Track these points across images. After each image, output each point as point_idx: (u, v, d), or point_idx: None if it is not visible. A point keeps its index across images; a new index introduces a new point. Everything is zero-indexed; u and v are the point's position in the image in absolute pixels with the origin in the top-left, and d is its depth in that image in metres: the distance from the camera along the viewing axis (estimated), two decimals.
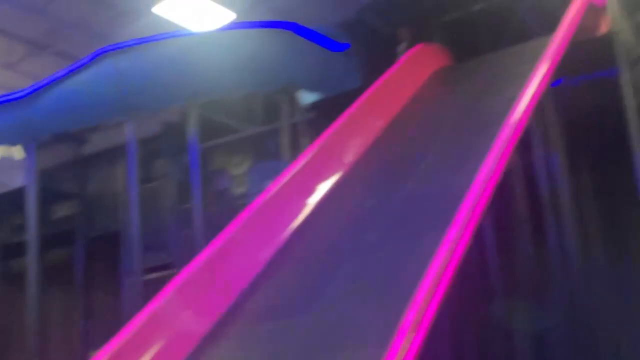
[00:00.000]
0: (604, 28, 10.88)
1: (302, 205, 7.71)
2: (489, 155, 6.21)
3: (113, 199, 14.18)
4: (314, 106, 12.97)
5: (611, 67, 11.14)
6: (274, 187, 7.71)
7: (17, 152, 13.38)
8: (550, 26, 11.75)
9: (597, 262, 12.42)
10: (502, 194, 6.96)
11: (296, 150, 12.19)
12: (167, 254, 12.92)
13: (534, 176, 9.55)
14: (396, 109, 9.80)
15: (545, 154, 10.43)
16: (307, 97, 12.75)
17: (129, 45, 10.74)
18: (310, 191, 7.92)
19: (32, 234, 12.55)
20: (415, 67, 10.81)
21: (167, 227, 13.68)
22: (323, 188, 8.02)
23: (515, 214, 8.64)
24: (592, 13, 10.45)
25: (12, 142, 13.08)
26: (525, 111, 7.13)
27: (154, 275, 11.88)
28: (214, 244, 6.79)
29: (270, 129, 16.52)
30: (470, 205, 5.48)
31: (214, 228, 13.52)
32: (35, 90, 11.67)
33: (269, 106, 16.34)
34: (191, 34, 10.98)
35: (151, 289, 6.79)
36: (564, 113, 10.60)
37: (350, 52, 12.46)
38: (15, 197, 13.86)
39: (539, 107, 8.07)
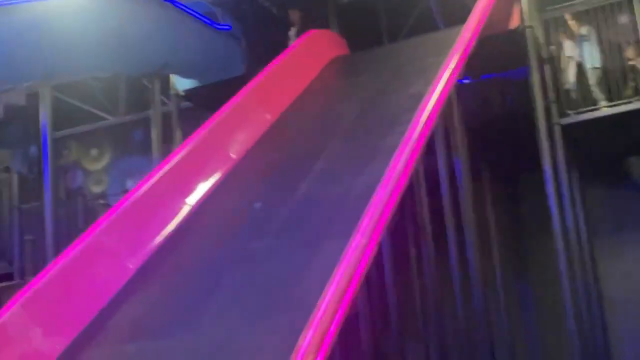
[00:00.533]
0: (515, 22, 11.30)
1: (178, 206, 7.48)
2: (396, 157, 6.23)
3: None
4: (191, 94, 12.72)
5: (521, 66, 11.62)
6: (143, 185, 7.44)
7: None
8: (457, 17, 12.13)
9: (496, 273, 12.94)
10: (405, 201, 7.02)
11: (169, 143, 11.89)
12: (7, 263, 12.27)
13: (436, 182, 9.75)
14: (287, 101, 9.73)
15: (448, 158, 10.68)
16: (182, 83, 12.47)
17: None
18: (187, 191, 7.70)
19: None
20: (308, 55, 10.78)
21: (8, 230, 13.01)
22: (202, 188, 7.82)
23: (417, 222, 8.75)
24: (504, 3, 10.80)
25: None
26: (432, 110, 7.22)
27: None
28: (68, 251, 6.45)
29: (137, 118, 16.14)
30: (376, 211, 5.46)
31: (66, 233, 13.03)
32: None
33: (136, 92, 15.90)
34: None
35: None
36: (469, 113, 10.91)
37: (235, 34, 12.29)
38: None
39: (445, 107, 8.22)
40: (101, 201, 13.05)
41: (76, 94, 15.42)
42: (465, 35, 8.69)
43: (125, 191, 13.68)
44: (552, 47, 11.63)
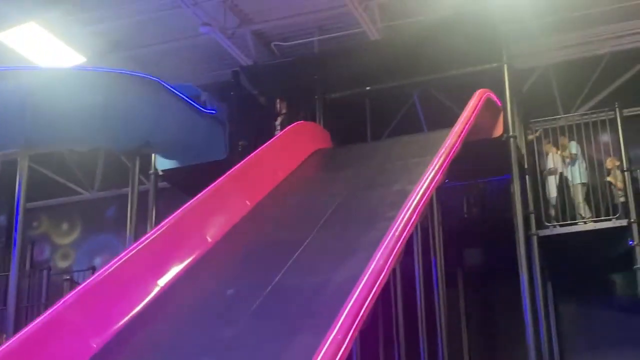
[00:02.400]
0: (499, 131, 11.48)
1: (149, 287, 7.31)
2: (378, 252, 6.17)
3: None
4: (170, 174, 12.66)
5: (502, 174, 11.76)
6: (115, 263, 7.27)
7: None
8: (441, 121, 12.34)
9: None
10: (382, 297, 6.93)
11: (143, 223, 11.74)
12: None
13: (411, 283, 9.69)
14: (267, 188, 9.70)
15: (425, 259, 10.65)
16: (162, 163, 12.42)
17: None
18: (159, 272, 7.54)
19: None
20: (292, 145, 10.82)
21: None
22: (175, 270, 7.67)
23: (391, 320, 8.65)
24: (489, 112, 10.99)
25: None
26: (416, 208, 7.22)
27: None
28: (32, 327, 6.23)
29: (111, 195, 16.01)
30: (357, 306, 5.36)
31: (28, 305, 12.69)
32: None
33: (112, 169, 15.80)
34: (37, 69, 10.39)
35: None
36: (448, 216, 10.96)
37: (219, 119, 12.36)
38: None
39: (427, 207, 8.23)
40: (66, 277, 12.79)
41: (51, 165, 15.34)
42: (452, 137, 8.79)
43: (92, 268, 13.49)
44: (535, 158, 11.82)
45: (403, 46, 12.18)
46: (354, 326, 5.34)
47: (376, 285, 5.81)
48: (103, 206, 15.42)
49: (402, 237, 6.62)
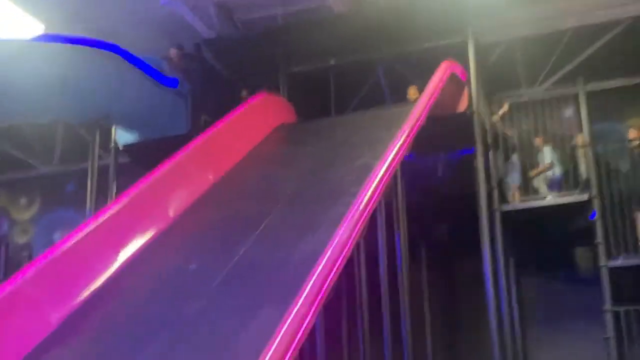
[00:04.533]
0: (463, 105, 11.54)
1: (109, 261, 7.26)
2: (342, 226, 6.18)
3: None
4: (131, 149, 12.51)
5: (465, 149, 11.83)
6: (74, 236, 7.21)
7: None
8: (405, 94, 12.36)
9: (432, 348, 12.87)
10: (345, 272, 6.95)
11: (103, 197, 11.64)
12: None
13: (374, 257, 9.72)
14: (230, 163, 9.65)
15: (388, 234, 10.69)
16: (124, 138, 12.27)
17: None
18: (120, 246, 7.49)
19: None
20: (256, 119, 10.77)
21: None
22: (136, 244, 7.62)
23: (354, 295, 8.67)
24: (454, 86, 11.03)
25: None
26: (379, 182, 7.23)
27: None
28: None
29: (71, 170, 15.81)
30: (320, 280, 5.37)
31: None
32: None
33: (72, 143, 15.62)
34: None
35: None
36: (411, 190, 11.00)
37: (182, 92, 12.23)
38: None
39: (391, 181, 8.24)
40: (24, 253, 12.64)
41: (9, 139, 15.09)
42: (416, 112, 8.80)
43: (52, 243, 13.33)
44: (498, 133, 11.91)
45: (368, 20, 12.13)
46: (317, 300, 5.35)
47: (340, 259, 5.82)
48: (62, 181, 15.24)
49: (366, 211, 6.63)
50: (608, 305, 10.68)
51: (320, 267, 5.58)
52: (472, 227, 11.43)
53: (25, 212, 15.16)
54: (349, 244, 6.11)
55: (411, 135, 8.43)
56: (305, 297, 5.26)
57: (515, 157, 11.88)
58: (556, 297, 12.65)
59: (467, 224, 11.73)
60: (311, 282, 5.36)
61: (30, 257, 12.28)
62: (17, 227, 15.09)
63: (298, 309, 5.11)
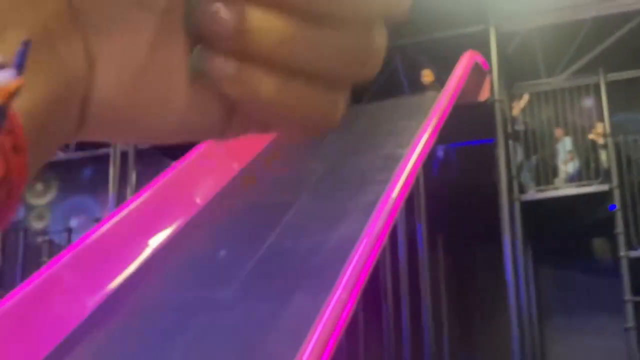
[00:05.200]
0: (485, 94, 11.56)
1: (139, 249, 7.31)
2: (378, 213, 6.23)
3: None
4: None
5: (488, 137, 11.85)
6: (106, 223, 7.27)
7: None
8: (419, 85, 12.39)
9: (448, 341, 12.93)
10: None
11: (122, 183, 11.69)
12: None
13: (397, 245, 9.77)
14: (253, 152, 9.69)
15: (410, 223, 10.73)
16: None
17: None
18: (149, 234, 7.54)
19: None
20: None
21: None
22: (166, 232, 7.67)
23: (380, 285, 8.73)
24: (476, 76, 11.05)
25: None
26: (411, 170, 7.27)
27: None
28: (26, 284, 6.21)
29: (88, 156, 15.82)
30: (356, 267, 5.41)
31: (4, 267, 12.60)
32: None
33: None
34: None
35: None
36: (434, 180, 11.05)
37: None
38: None
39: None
40: (45, 237, 12.69)
41: None
42: (444, 100, 8.83)
43: (69, 230, 13.40)
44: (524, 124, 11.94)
45: None
46: (357, 287, 5.40)
47: (377, 247, 5.87)
48: (79, 167, 15.28)
49: (400, 199, 6.67)
50: (628, 295, 10.72)
51: (357, 255, 5.63)
52: (491, 216, 11.46)
53: (41, 197, 15.20)
54: (384, 231, 6.15)
55: (439, 125, 8.46)
56: (345, 284, 5.31)
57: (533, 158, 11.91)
58: (575, 288, 12.70)
59: (486, 213, 11.76)
60: (350, 270, 5.41)
61: (50, 243, 12.34)
62: (34, 212, 15.14)
63: (339, 295, 5.16)
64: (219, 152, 9.17)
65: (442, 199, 12.08)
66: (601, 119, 11.59)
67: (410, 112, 10.31)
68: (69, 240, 13.06)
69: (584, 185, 11.60)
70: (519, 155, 11.83)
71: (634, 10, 12.60)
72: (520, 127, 11.96)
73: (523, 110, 11.96)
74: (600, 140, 11.59)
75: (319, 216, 7.50)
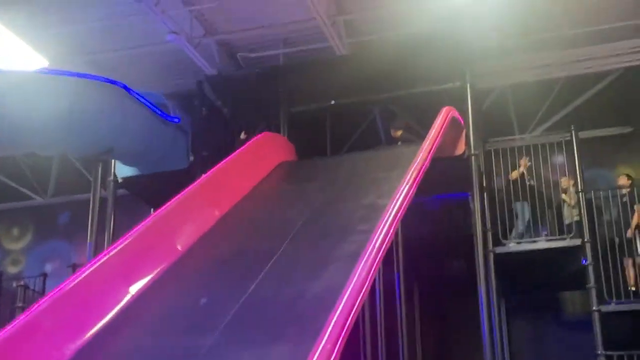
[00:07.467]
0: (460, 148, 11.58)
1: (120, 296, 7.12)
2: (361, 262, 6.12)
3: None
4: (129, 182, 12.40)
5: (461, 192, 11.85)
6: (87, 270, 7.06)
7: None
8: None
9: None
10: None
11: (100, 229, 11.47)
12: None
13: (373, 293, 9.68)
14: (235, 199, 9.57)
15: (387, 272, 10.66)
16: (122, 171, 12.16)
17: None
18: (130, 280, 7.35)
19: None
20: (259, 156, 10.71)
21: None
22: (146, 278, 7.48)
23: (359, 333, 8.62)
24: (454, 130, 11.07)
25: None
26: (393, 220, 7.19)
27: None
28: (7, 330, 5.98)
29: (64, 201, 15.59)
30: (345, 315, 5.29)
31: None
32: None
33: (66, 175, 15.42)
34: (0, 72, 10.01)
35: None
36: (411, 231, 11.01)
37: (183, 128, 12.18)
38: None
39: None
40: (19, 282, 12.40)
41: (4, 169, 14.92)
42: (423, 152, 8.82)
43: (44, 275, 13.11)
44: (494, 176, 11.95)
45: (368, 63, 12.21)
46: (341, 336, 5.27)
47: (360, 295, 5.76)
48: (56, 212, 15.06)
49: (382, 249, 6.58)
50: (600, 350, 10.63)
51: (343, 302, 5.50)
52: (465, 268, 11.40)
53: (17, 242, 14.93)
54: (368, 281, 6.05)
55: (419, 176, 8.42)
56: (330, 334, 5.17)
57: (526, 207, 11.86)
58: (547, 341, 12.62)
59: (460, 265, 11.71)
60: (335, 317, 5.27)
61: (25, 288, 12.06)
62: (9, 257, 14.85)
63: (324, 345, 5.02)
64: (201, 199, 9.04)
65: (418, 249, 12.05)
66: (572, 175, 11.63)
67: (390, 164, 10.28)
68: (44, 286, 12.80)
69: (556, 240, 11.57)
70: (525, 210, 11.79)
71: (604, 70, 12.79)
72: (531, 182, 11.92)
73: (522, 175, 11.91)
74: (567, 198, 11.66)
75: (300, 265, 7.38)
